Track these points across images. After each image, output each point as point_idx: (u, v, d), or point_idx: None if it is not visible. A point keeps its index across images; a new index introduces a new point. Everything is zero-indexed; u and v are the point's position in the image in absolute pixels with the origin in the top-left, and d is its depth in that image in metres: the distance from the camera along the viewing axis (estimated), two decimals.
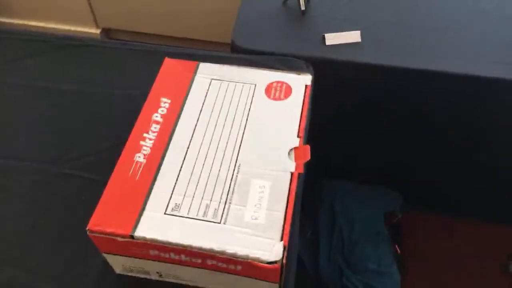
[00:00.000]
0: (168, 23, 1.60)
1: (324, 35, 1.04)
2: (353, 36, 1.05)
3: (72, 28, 1.69)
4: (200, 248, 0.50)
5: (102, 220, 0.52)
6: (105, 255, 0.57)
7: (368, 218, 1.24)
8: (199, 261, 0.52)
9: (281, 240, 0.51)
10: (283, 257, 0.49)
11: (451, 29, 1.06)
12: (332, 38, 1.04)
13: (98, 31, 1.69)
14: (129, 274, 0.61)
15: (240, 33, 1.04)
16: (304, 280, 1.16)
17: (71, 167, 0.71)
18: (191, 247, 0.50)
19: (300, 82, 0.67)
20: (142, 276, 0.60)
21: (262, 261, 0.49)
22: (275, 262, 0.49)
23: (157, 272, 0.58)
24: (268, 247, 0.50)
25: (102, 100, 0.65)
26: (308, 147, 0.59)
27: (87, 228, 0.52)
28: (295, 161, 0.58)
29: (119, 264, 0.59)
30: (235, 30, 1.05)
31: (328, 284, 1.17)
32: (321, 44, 1.04)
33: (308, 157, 0.59)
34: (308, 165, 0.59)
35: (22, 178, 0.71)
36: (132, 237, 0.51)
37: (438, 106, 1.08)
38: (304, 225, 1.19)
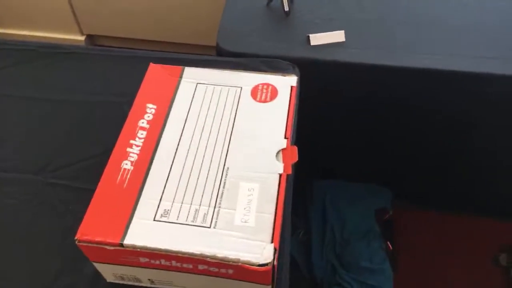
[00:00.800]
0: (153, 28, 1.60)
1: (308, 36, 1.05)
2: (338, 36, 1.06)
3: (56, 35, 1.68)
4: (191, 254, 0.50)
5: (91, 229, 0.52)
6: (95, 264, 0.57)
7: (359, 215, 1.24)
8: (190, 266, 0.52)
9: (272, 242, 0.51)
10: (274, 259, 0.49)
11: (435, 25, 1.07)
12: (317, 38, 1.04)
13: (82, 38, 1.68)
14: (120, 282, 0.60)
15: (224, 36, 1.04)
16: (298, 280, 1.16)
17: (58, 177, 0.70)
18: (181, 252, 0.50)
19: (285, 84, 0.67)
20: (134, 283, 0.60)
21: (253, 264, 0.49)
22: (266, 264, 0.49)
23: (149, 279, 0.58)
24: (259, 249, 0.50)
25: (88, 108, 0.64)
26: (295, 148, 0.59)
27: (75, 238, 0.51)
28: (283, 162, 0.58)
29: (109, 272, 0.58)
30: (219, 33, 1.05)
31: (322, 283, 1.17)
32: (306, 44, 1.04)
33: (296, 158, 0.59)
34: (297, 166, 0.60)
35: (9, 189, 0.70)
36: (121, 245, 0.51)
37: (425, 103, 1.09)
38: (296, 225, 1.19)
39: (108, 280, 0.60)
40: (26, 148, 0.75)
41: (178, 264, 0.52)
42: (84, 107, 0.76)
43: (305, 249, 1.18)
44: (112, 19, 1.60)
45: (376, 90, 1.08)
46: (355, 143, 1.24)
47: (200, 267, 0.52)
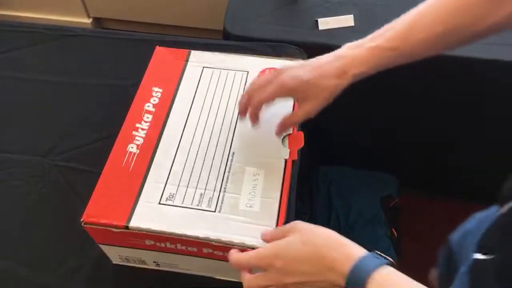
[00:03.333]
0: (160, 11, 1.58)
1: (317, 20, 1.03)
2: (346, 20, 1.04)
3: (63, 18, 1.65)
4: (196, 237, 0.50)
5: (97, 211, 0.52)
6: (101, 245, 0.57)
7: (364, 202, 1.24)
8: (195, 249, 0.52)
9: (276, 226, 0.51)
10: None
11: None
12: (325, 23, 1.03)
13: (89, 21, 1.66)
14: (126, 264, 0.61)
15: (232, 20, 1.02)
16: None
17: (64, 159, 0.71)
18: (186, 236, 0.50)
19: None
20: (139, 265, 0.60)
21: (257, 248, 0.49)
22: None
23: (154, 261, 0.59)
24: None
25: (94, 91, 0.64)
26: (301, 133, 0.59)
27: (81, 220, 0.52)
28: (289, 148, 0.58)
29: (115, 254, 0.59)
30: (226, 17, 1.04)
31: None
32: (314, 29, 1.03)
33: (302, 144, 0.58)
34: (304, 151, 0.59)
35: (16, 170, 0.70)
36: (127, 227, 0.51)
37: (432, 89, 1.07)
38: (301, 211, 1.19)
39: (114, 262, 0.61)
40: (33, 131, 0.75)
41: (183, 247, 0.53)
42: (91, 89, 0.76)
43: None
44: (118, 2, 1.58)
45: (384, 75, 1.07)
46: (361, 130, 1.22)
47: (205, 250, 0.52)
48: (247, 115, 0.56)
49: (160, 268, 0.60)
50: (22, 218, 0.66)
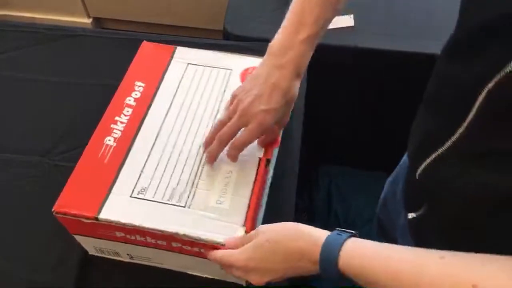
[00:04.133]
0: (160, 11, 1.58)
1: None
2: (346, 20, 1.04)
3: (63, 18, 1.66)
4: (163, 231, 0.51)
5: (68, 202, 0.53)
6: (75, 236, 0.58)
7: (364, 202, 1.23)
8: (164, 243, 0.53)
9: (244, 225, 0.51)
10: None
11: (446, 11, 1.04)
12: None
13: (89, 21, 1.67)
14: (101, 255, 0.61)
15: (232, 20, 1.03)
16: None
17: (64, 159, 0.70)
18: (154, 229, 0.51)
19: None
20: (114, 257, 0.61)
21: (224, 245, 0.49)
22: None
23: (128, 254, 0.59)
24: (230, 231, 0.50)
25: (94, 91, 0.64)
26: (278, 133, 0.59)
27: (52, 210, 0.52)
28: (264, 147, 0.58)
29: (90, 245, 0.59)
30: (226, 17, 1.04)
31: None
32: None
33: (278, 144, 0.59)
34: (305, 150, 0.59)
35: (16, 170, 0.70)
36: (96, 219, 0.52)
37: None
38: (300, 209, 1.19)
39: (90, 253, 0.62)
40: (33, 131, 0.75)
41: (153, 241, 0.53)
42: (91, 89, 0.75)
43: None
44: (118, 2, 1.59)
45: (384, 75, 1.06)
46: (363, 130, 1.22)
47: (174, 244, 0.53)
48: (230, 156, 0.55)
49: (135, 261, 0.61)
50: (22, 218, 0.65)
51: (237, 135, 0.53)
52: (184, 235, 0.50)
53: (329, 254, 0.41)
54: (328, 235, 0.42)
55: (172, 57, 0.68)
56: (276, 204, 0.63)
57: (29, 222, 0.63)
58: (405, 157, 0.70)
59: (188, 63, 0.67)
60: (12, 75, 0.82)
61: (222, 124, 0.54)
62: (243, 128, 0.53)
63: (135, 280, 0.60)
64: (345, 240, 0.41)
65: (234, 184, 0.55)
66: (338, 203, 1.23)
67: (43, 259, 0.62)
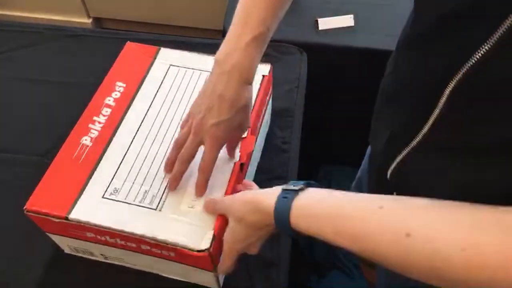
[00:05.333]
0: (160, 11, 1.58)
1: (317, 20, 1.03)
2: (346, 20, 1.04)
3: (63, 18, 1.67)
4: (132, 233, 0.50)
5: (40, 200, 0.53)
6: (49, 234, 0.58)
7: None
8: (134, 245, 0.53)
9: (213, 229, 0.51)
10: (211, 246, 0.49)
11: None
12: (325, 23, 1.03)
13: (89, 21, 1.67)
14: (76, 254, 0.61)
15: (231, 19, 1.03)
16: (299, 259, 1.17)
17: None
18: (123, 231, 0.51)
19: (257, 72, 0.66)
20: (88, 257, 0.61)
21: (191, 249, 0.49)
22: (203, 250, 0.49)
23: (101, 254, 0.59)
24: (199, 235, 0.50)
25: (94, 91, 0.63)
26: (253, 138, 0.59)
27: (24, 207, 0.52)
28: (239, 151, 0.57)
29: (64, 244, 0.60)
30: (227, 16, 1.04)
31: (322, 264, 1.18)
32: (314, 29, 1.03)
33: (252, 148, 0.58)
34: (306, 150, 0.59)
35: (17, 170, 0.70)
36: (66, 218, 0.52)
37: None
38: None
39: (65, 251, 0.62)
40: (33, 131, 0.75)
41: (123, 242, 0.53)
42: (91, 89, 0.74)
43: None
44: (118, 2, 1.60)
45: (385, 75, 1.06)
46: (363, 130, 1.22)
47: (143, 247, 0.52)
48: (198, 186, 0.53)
49: (109, 261, 0.61)
50: (22, 217, 0.65)
51: (201, 160, 0.52)
52: (152, 238, 0.50)
53: (282, 222, 0.43)
54: (275, 205, 0.43)
55: (155, 58, 0.68)
56: None
57: (29, 222, 0.62)
58: (364, 163, 0.69)
59: (171, 64, 0.67)
60: (12, 75, 0.82)
61: (179, 144, 0.53)
62: (201, 146, 0.52)
63: (111, 280, 0.60)
64: (290, 206, 0.42)
65: (207, 188, 0.54)
66: None
67: (44, 260, 0.62)
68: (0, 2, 1.65)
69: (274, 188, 0.45)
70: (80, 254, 0.61)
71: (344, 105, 1.15)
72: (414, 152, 0.43)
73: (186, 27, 1.61)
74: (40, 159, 0.70)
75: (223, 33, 1.02)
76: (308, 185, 0.44)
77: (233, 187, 0.55)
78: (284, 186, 0.44)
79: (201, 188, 0.53)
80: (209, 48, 0.67)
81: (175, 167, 0.53)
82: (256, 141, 0.61)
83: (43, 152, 0.71)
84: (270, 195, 0.44)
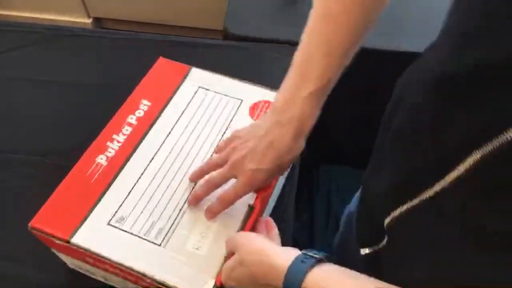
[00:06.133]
0: (160, 11, 1.57)
1: None
2: None
3: (63, 18, 1.66)
4: (131, 269, 0.48)
5: (46, 218, 0.52)
6: (53, 250, 0.57)
7: None
8: (133, 279, 0.51)
9: (215, 277, 0.48)
10: None
11: (446, 11, 0.99)
12: None
13: (89, 21, 1.66)
14: (79, 270, 0.60)
15: (232, 20, 1.00)
16: None
17: (64, 159, 0.69)
18: (123, 265, 0.48)
19: None
20: (90, 275, 0.59)
21: None
22: None
23: (102, 276, 0.57)
24: (200, 281, 0.47)
25: (94, 91, 0.63)
26: (272, 183, 0.55)
27: (28, 224, 0.51)
28: (257, 194, 0.54)
29: (68, 260, 0.58)
30: (227, 16, 1.02)
31: None
32: None
33: (270, 195, 0.55)
34: (305, 150, 0.57)
35: (19, 170, 0.70)
36: (68, 242, 0.50)
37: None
38: (301, 209, 1.17)
39: (70, 266, 0.61)
40: (33, 131, 0.74)
41: (122, 274, 0.51)
42: (91, 89, 0.74)
43: (308, 233, 1.16)
44: (118, 2, 1.58)
45: (386, 76, 1.02)
46: (363, 129, 1.19)
47: (142, 282, 0.50)
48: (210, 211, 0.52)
49: (109, 283, 0.59)
50: (22, 218, 0.65)
51: (226, 189, 0.50)
52: (150, 277, 0.48)
53: (291, 284, 0.39)
54: (290, 265, 0.40)
55: (185, 77, 0.65)
56: (275, 211, 0.62)
57: (29, 222, 0.62)
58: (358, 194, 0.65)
59: (200, 87, 0.64)
60: (12, 75, 0.81)
61: (210, 165, 0.51)
62: (233, 180, 0.50)
63: None
64: (307, 271, 0.39)
65: (216, 229, 0.51)
66: (338, 203, 1.21)
67: (46, 260, 0.60)
68: (0, 2, 1.65)
69: (290, 248, 0.43)
70: (82, 271, 0.60)
71: (344, 105, 1.12)
72: (420, 206, 0.38)
73: (186, 27, 1.59)
74: (40, 159, 0.69)
75: (223, 33, 1.00)
76: (328, 259, 0.41)
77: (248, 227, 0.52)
78: (304, 251, 0.41)
79: (211, 215, 0.51)
80: (210, 48, 0.64)
81: (200, 187, 0.52)
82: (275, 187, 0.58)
83: (43, 152, 0.70)
84: (286, 255, 0.41)
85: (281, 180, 0.66)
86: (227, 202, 0.50)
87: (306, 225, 1.14)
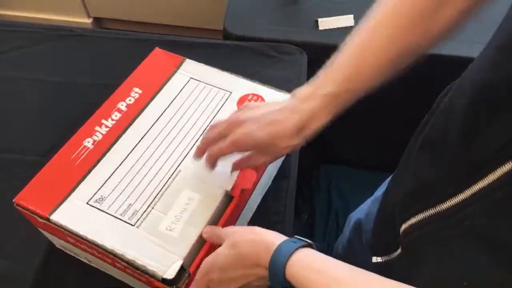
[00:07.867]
0: (160, 11, 1.58)
1: (317, 20, 0.99)
2: (347, 20, 1.00)
3: (63, 18, 1.66)
4: (104, 248, 0.49)
5: (29, 196, 0.54)
6: (40, 229, 0.58)
7: (363, 202, 1.19)
8: (109, 260, 0.52)
9: (183, 258, 0.48)
10: (179, 277, 0.47)
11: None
12: (326, 23, 0.99)
13: (89, 21, 1.67)
14: (66, 251, 0.62)
15: (232, 20, 1.00)
16: None
17: None
18: (96, 243, 0.50)
19: (275, 99, 0.63)
20: (75, 256, 0.61)
21: (154, 276, 0.47)
22: (168, 279, 0.47)
23: (85, 257, 0.59)
24: (168, 262, 0.48)
25: (94, 91, 0.63)
26: (254, 174, 0.55)
27: (13, 200, 0.53)
28: (236, 181, 0.54)
29: (53, 239, 0.60)
30: (227, 16, 1.02)
31: None
32: (315, 29, 0.99)
33: (250, 186, 0.55)
34: (305, 149, 0.57)
35: (16, 170, 0.70)
36: (48, 219, 0.52)
37: (432, 89, 0.99)
38: (301, 208, 1.17)
39: (56, 246, 0.62)
40: (33, 131, 0.75)
41: (100, 255, 0.52)
42: (90, 89, 0.75)
43: (308, 232, 1.15)
44: (118, 2, 1.59)
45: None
46: (363, 129, 1.17)
47: (117, 264, 0.51)
48: (203, 158, 0.53)
49: (92, 265, 0.60)
50: (22, 218, 0.64)
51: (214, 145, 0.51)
52: (120, 255, 0.49)
53: (279, 260, 0.40)
54: (282, 241, 0.41)
55: (178, 68, 0.67)
56: (276, 209, 0.62)
57: (28, 222, 0.63)
58: (377, 195, 0.64)
59: (191, 77, 0.66)
60: (12, 75, 0.82)
61: (213, 126, 0.53)
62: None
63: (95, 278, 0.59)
64: (297, 248, 0.40)
65: (191, 212, 0.52)
66: (338, 203, 1.19)
67: (46, 260, 0.62)
68: (0, 2, 1.67)
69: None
70: (68, 252, 0.61)
71: None
72: (442, 215, 0.38)
73: (186, 27, 1.59)
74: (40, 159, 0.68)
75: (223, 33, 1.00)
76: (316, 247, 0.42)
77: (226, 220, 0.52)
78: (298, 237, 0.43)
79: (196, 153, 0.53)
80: (209, 48, 0.63)
81: (206, 156, 0.53)
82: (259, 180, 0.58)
83: (43, 152, 0.71)
84: (279, 236, 0.43)
85: (267, 180, 0.66)
86: (210, 152, 0.51)
87: (306, 225, 1.14)
